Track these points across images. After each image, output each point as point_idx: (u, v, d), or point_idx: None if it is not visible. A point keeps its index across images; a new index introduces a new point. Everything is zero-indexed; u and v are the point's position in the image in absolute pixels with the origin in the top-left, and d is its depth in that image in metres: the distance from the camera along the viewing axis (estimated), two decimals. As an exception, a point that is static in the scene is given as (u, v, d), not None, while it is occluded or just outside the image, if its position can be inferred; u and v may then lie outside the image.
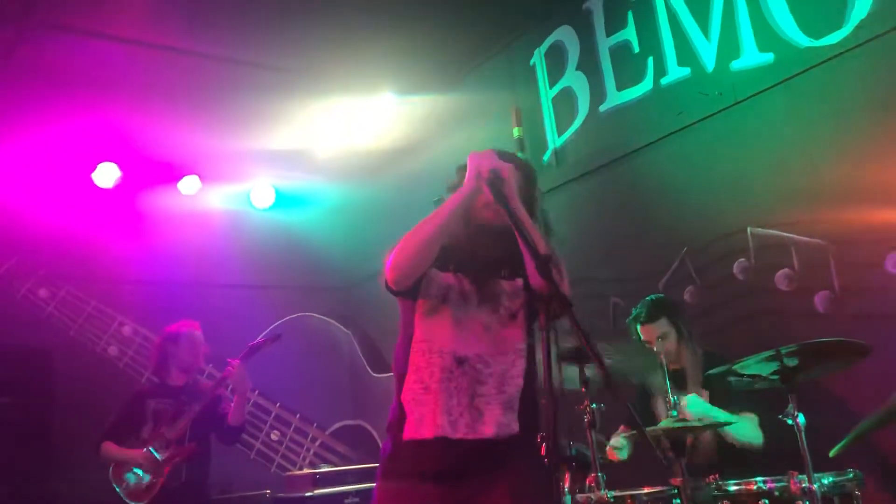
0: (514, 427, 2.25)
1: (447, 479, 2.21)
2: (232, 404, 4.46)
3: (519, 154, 2.61)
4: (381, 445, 2.43)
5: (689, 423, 2.97)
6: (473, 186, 2.22)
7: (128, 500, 4.31)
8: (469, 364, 2.27)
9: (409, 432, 2.24)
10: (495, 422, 2.22)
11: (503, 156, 2.39)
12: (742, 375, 2.82)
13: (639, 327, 3.62)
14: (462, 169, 2.34)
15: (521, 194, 2.27)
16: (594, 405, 3.07)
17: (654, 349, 3.50)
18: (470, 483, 2.22)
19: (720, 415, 3.24)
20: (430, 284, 2.34)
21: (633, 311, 3.68)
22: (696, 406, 3.22)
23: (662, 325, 3.56)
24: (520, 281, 2.38)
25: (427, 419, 2.22)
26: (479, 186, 2.21)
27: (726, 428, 3.22)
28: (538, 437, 2.09)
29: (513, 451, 2.24)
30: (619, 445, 3.51)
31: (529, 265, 2.15)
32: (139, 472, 4.30)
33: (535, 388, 2.34)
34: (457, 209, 2.24)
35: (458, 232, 2.31)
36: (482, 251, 2.34)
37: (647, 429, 3.23)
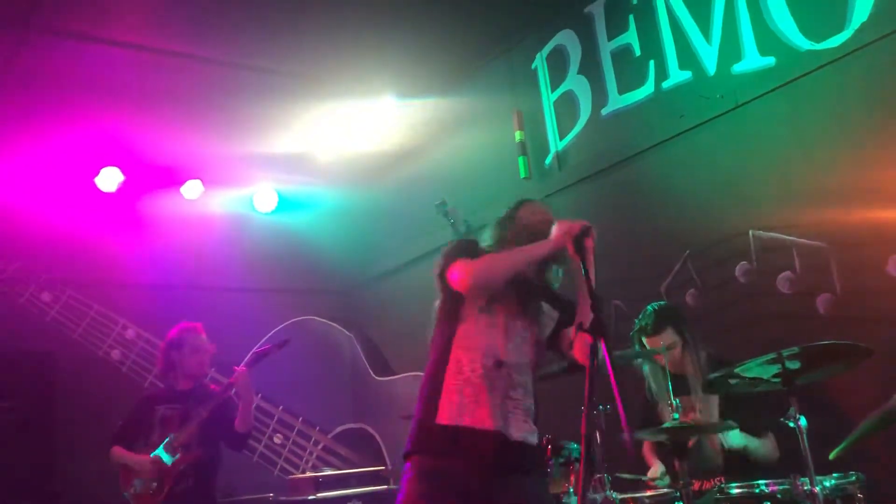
0: (534, 438, 2.62)
1: (497, 471, 2.49)
2: (238, 412, 4.45)
3: None
4: (415, 425, 2.66)
5: (691, 426, 2.97)
6: (561, 242, 2.51)
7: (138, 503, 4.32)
8: (506, 368, 2.58)
9: (459, 419, 2.52)
10: (519, 428, 2.56)
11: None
12: (743, 378, 2.83)
13: (644, 339, 3.56)
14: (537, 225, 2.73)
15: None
16: (600, 406, 3.08)
17: (661, 360, 3.50)
18: (505, 480, 2.50)
19: (754, 443, 3.25)
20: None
21: (637, 323, 3.61)
22: (736, 439, 3.24)
23: (669, 336, 3.50)
24: (556, 313, 2.75)
25: (479, 412, 2.52)
26: (565, 243, 2.49)
27: (747, 447, 3.24)
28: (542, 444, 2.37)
29: (534, 460, 2.66)
30: (657, 475, 3.46)
31: (582, 315, 2.54)
32: (147, 477, 4.30)
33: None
34: (546, 254, 2.58)
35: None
36: (538, 281, 2.74)
37: (651, 429, 3.25)
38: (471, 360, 2.58)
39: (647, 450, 3.71)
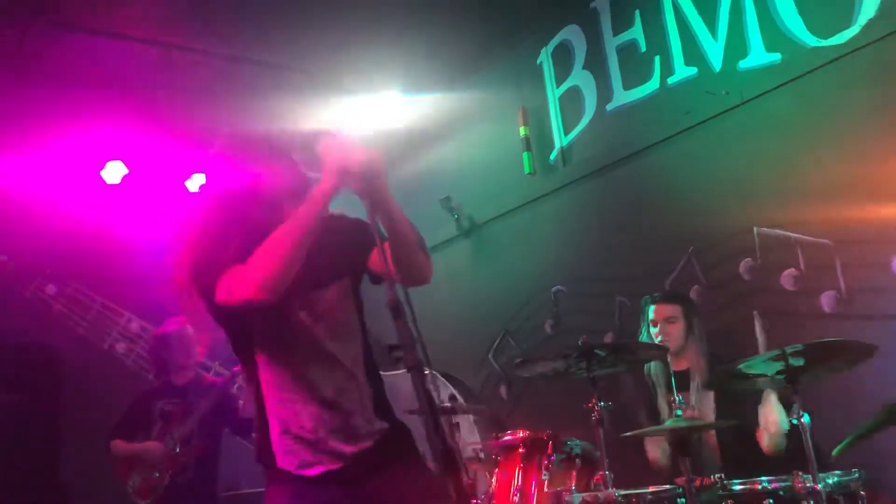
0: None
1: None
2: (242, 397, 4.50)
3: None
4: None
5: (693, 423, 2.97)
6: (335, 184, 1.97)
7: (136, 497, 4.34)
8: None
9: None
10: None
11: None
12: (747, 375, 2.82)
13: (653, 307, 3.65)
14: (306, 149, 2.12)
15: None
16: (602, 403, 3.08)
17: (658, 334, 3.53)
18: None
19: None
20: None
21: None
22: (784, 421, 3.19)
23: (674, 309, 3.60)
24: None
25: None
26: (341, 184, 1.96)
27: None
28: None
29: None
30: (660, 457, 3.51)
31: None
32: (147, 468, 4.32)
33: None
34: (321, 212, 1.99)
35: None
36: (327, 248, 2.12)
37: (652, 428, 3.25)
38: None
39: (648, 441, 3.71)
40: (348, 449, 2.15)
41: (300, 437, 2.14)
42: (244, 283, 1.98)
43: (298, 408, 2.14)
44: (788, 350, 2.63)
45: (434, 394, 1.75)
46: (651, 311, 3.66)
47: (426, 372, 1.72)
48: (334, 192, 1.98)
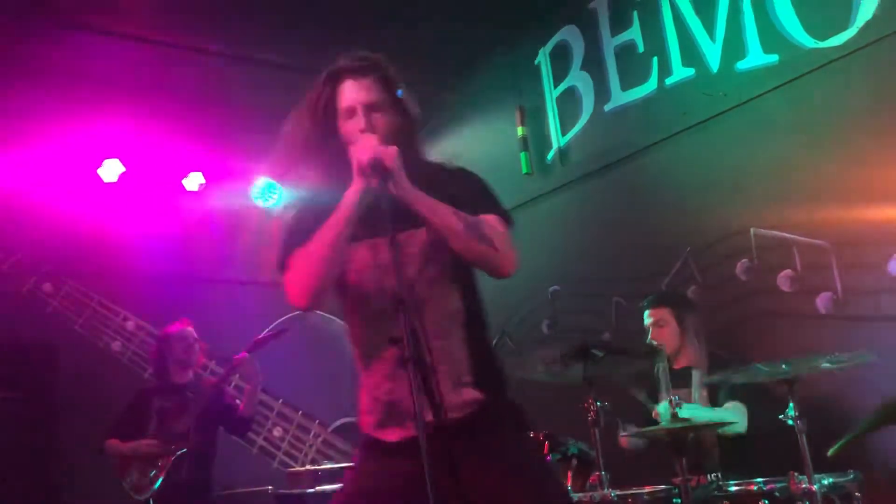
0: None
1: None
2: (243, 395, 4.56)
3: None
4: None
5: (690, 423, 2.97)
6: (363, 187, 1.94)
7: (133, 494, 4.34)
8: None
9: None
10: None
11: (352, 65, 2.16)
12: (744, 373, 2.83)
13: (646, 312, 3.72)
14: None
15: (408, 155, 2.00)
16: (598, 402, 3.08)
17: (652, 338, 3.56)
18: None
19: (712, 415, 3.26)
20: None
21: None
22: (690, 411, 3.21)
23: (661, 313, 3.65)
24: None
25: None
26: (367, 185, 1.93)
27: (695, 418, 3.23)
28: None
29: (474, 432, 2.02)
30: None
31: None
32: (143, 465, 4.33)
33: None
34: (351, 215, 1.95)
35: None
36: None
37: (649, 428, 3.25)
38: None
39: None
40: (427, 417, 1.84)
41: (377, 397, 2.04)
42: (288, 290, 2.02)
43: (377, 367, 2.05)
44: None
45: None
46: (645, 316, 3.72)
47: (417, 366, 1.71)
48: (360, 194, 1.94)
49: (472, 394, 2.00)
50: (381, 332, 1.93)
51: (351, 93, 2.12)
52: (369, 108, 2.09)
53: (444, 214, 1.94)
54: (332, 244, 1.95)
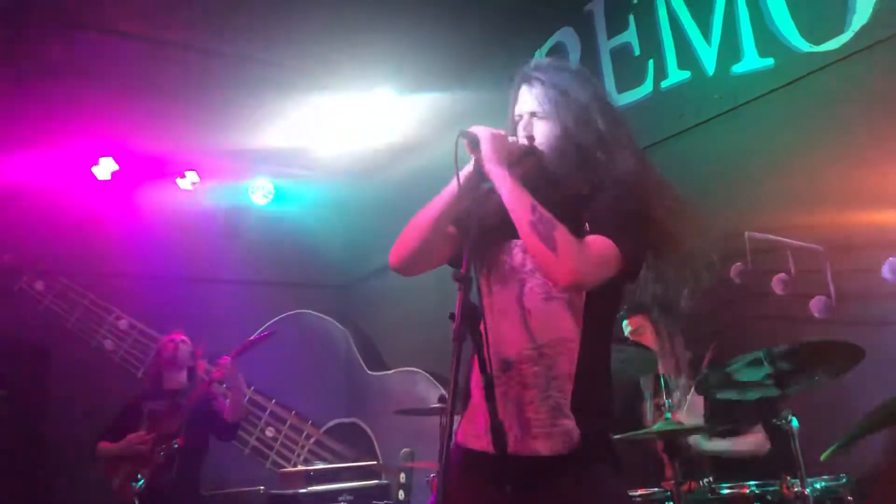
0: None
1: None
2: (227, 401, 4.56)
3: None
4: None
5: (682, 426, 2.97)
6: (469, 167, 2.01)
7: (120, 495, 4.33)
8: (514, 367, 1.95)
9: None
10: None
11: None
12: (735, 382, 2.82)
13: (623, 323, 3.75)
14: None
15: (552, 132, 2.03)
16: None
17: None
18: None
19: (725, 445, 3.25)
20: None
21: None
22: (705, 444, 3.23)
23: (638, 321, 3.67)
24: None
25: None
26: (475, 164, 1.98)
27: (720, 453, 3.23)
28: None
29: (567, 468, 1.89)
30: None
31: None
32: (132, 466, 4.33)
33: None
34: (452, 193, 2.03)
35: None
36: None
37: (639, 431, 3.25)
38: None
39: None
40: (511, 441, 1.82)
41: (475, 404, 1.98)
42: (391, 251, 2.13)
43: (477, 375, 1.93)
44: (775, 351, 2.63)
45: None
46: (623, 326, 3.75)
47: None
48: (469, 175, 2.00)
49: (565, 425, 1.91)
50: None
51: (521, 101, 2.17)
52: (532, 115, 2.13)
53: (520, 201, 1.90)
54: (430, 217, 2.06)
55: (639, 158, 2.13)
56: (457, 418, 2.03)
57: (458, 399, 1.85)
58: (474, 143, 1.97)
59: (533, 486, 1.87)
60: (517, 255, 2.03)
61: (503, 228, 1.99)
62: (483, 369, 1.76)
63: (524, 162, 2.05)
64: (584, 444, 1.89)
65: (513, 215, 1.91)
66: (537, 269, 1.97)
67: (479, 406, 1.89)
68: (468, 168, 2.01)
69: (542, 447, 1.88)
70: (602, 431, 1.98)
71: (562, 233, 1.86)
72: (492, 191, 1.97)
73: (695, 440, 3.27)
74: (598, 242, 1.90)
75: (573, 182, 2.04)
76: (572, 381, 1.93)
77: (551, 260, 1.85)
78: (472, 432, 1.97)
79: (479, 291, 2.09)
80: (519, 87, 2.18)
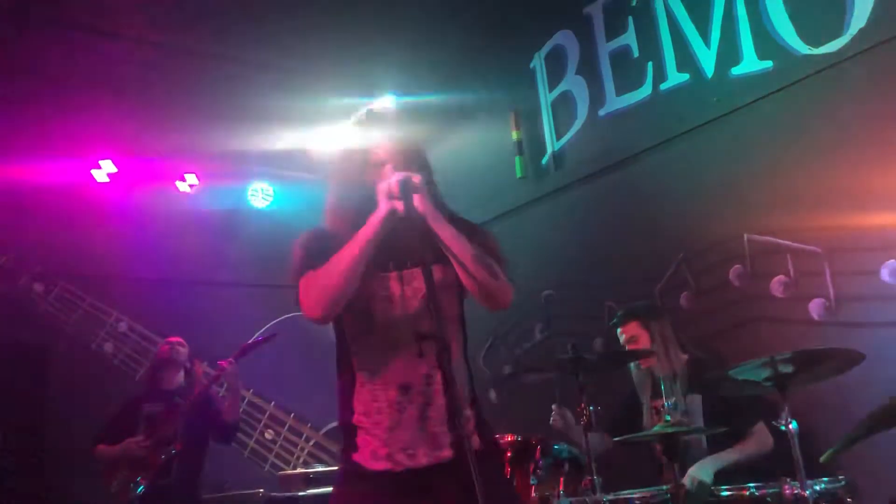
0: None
1: None
2: (226, 402, 4.58)
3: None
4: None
5: (680, 428, 2.97)
6: (388, 209, 2.06)
7: (119, 498, 4.32)
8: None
9: None
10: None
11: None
12: (736, 382, 2.83)
13: (618, 331, 3.75)
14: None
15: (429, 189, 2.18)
16: (591, 408, 3.08)
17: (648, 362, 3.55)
18: None
19: (729, 459, 3.22)
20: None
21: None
22: (708, 475, 3.15)
23: (632, 329, 3.66)
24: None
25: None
26: (393, 208, 2.05)
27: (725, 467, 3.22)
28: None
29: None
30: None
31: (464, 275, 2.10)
32: (130, 469, 4.32)
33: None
34: (374, 237, 2.06)
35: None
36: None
37: (639, 434, 3.25)
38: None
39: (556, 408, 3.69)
40: (419, 455, 2.08)
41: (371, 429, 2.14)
42: (303, 301, 2.15)
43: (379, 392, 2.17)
44: (777, 357, 2.63)
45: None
46: (617, 334, 3.75)
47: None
48: (385, 217, 2.05)
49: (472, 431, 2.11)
50: (392, 360, 2.11)
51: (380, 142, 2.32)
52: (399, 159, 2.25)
53: (461, 239, 2.08)
54: (354, 261, 2.05)
55: None
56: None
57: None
58: (409, 190, 2.04)
59: (438, 490, 2.04)
60: (394, 287, 2.15)
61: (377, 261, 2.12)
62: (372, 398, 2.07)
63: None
64: (482, 446, 2.11)
65: (456, 250, 2.06)
66: (477, 297, 2.12)
67: (375, 430, 2.10)
68: (383, 210, 2.06)
69: (447, 453, 2.06)
70: (491, 433, 2.24)
71: (494, 264, 2.10)
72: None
73: (698, 474, 3.11)
74: (496, 264, 2.14)
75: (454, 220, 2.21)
76: (468, 385, 2.18)
77: (495, 286, 2.09)
78: (369, 455, 2.11)
79: (354, 327, 2.22)
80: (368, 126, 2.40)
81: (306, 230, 2.33)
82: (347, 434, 2.19)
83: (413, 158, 2.25)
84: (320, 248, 2.15)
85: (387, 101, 5.75)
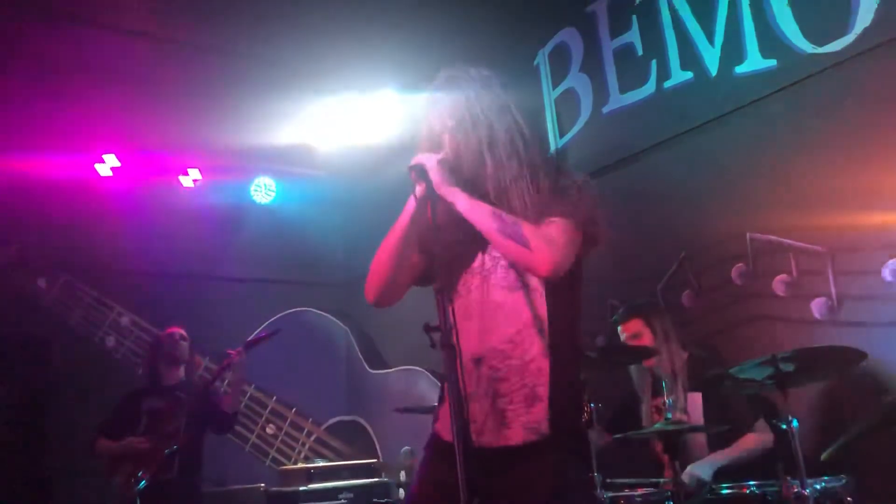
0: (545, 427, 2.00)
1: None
2: (229, 391, 4.60)
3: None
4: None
5: (681, 425, 2.98)
6: (415, 195, 2.10)
7: (122, 493, 4.33)
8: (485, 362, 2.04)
9: None
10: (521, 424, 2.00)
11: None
12: (737, 379, 2.83)
13: (618, 329, 3.75)
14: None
15: (465, 157, 2.14)
16: (591, 404, 3.08)
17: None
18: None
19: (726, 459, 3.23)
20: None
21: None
22: (706, 472, 3.15)
23: (634, 326, 3.66)
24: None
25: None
26: (422, 193, 2.08)
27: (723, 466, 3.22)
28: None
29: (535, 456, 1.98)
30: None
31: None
32: (132, 465, 4.33)
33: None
34: (406, 223, 2.11)
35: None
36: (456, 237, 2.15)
37: (641, 431, 3.26)
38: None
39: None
40: (486, 433, 2.01)
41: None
42: (365, 287, 2.20)
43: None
44: (778, 356, 2.64)
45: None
46: (618, 332, 3.75)
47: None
48: (417, 202, 2.08)
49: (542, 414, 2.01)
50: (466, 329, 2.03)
51: (433, 114, 2.34)
52: (445, 129, 2.24)
53: (481, 213, 2.04)
54: (391, 249, 2.11)
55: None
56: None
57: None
58: (422, 174, 2.06)
59: (501, 474, 1.96)
60: (477, 259, 2.14)
61: (463, 240, 2.12)
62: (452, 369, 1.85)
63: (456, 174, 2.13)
64: (553, 432, 1.99)
65: (478, 227, 2.04)
66: (515, 266, 2.07)
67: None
68: (412, 199, 2.11)
69: (514, 436, 1.99)
70: (572, 419, 2.08)
71: (528, 228, 2.01)
72: (443, 212, 2.07)
73: (698, 472, 3.10)
74: (556, 225, 2.05)
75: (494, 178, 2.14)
76: (548, 363, 2.03)
77: (527, 256, 1.99)
78: (446, 426, 2.01)
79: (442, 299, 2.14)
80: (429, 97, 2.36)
81: None
82: (440, 400, 2.20)
83: (471, 125, 2.20)
84: None
85: (390, 97, 5.74)
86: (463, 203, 2.05)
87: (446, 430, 2.04)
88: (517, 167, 2.14)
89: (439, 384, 2.26)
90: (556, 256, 2.00)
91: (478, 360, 2.04)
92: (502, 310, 2.07)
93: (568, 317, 2.11)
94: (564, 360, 2.05)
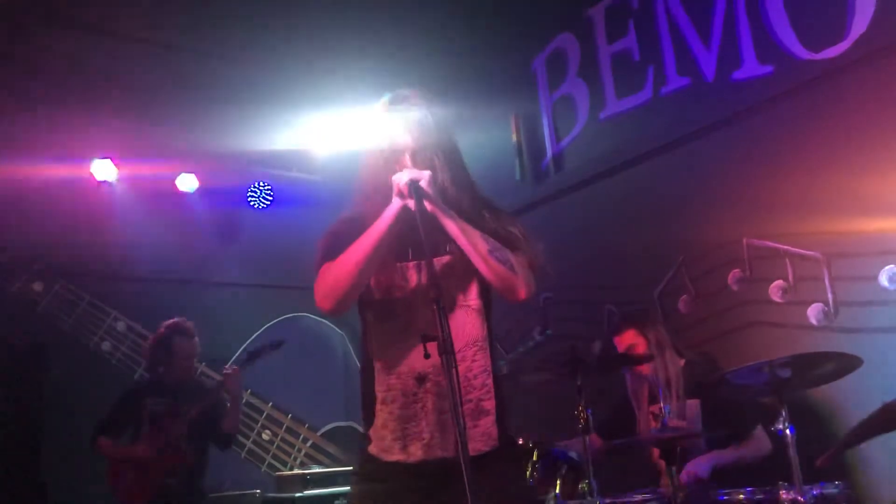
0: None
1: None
2: (227, 412, 4.56)
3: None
4: None
5: (679, 432, 2.97)
6: (401, 206, 2.08)
7: (124, 498, 4.31)
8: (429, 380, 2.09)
9: None
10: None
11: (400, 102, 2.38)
12: (733, 385, 2.83)
13: (613, 339, 3.72)
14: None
15: (450, 175, 2.20)
16: (588, 410, 3.07)
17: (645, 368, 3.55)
18: None
19: (726, 458, 3.23)
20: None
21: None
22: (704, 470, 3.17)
23: (629, 337, 3.64)
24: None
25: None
26: (404, 205, 2.07)
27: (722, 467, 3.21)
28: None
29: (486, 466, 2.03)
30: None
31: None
32: (136, 470, 4.30)
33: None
34: (387, 232, 2.08)
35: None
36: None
37: (639, 438, 3.25)
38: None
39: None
40: (434, 448, 2.08)
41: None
42: (316, 292, 2.16)
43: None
44: (775, 362, 2.63)
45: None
46: (614, 343, 3.72)
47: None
48: (397, 213, 2.07)
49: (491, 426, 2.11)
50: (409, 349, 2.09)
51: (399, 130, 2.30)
52: (415, 147, 2.24)
53: (472, 234, 2.09)
54: (366, 255, 2.07)
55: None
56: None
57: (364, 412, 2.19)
58: (418, 191, 2.05)
59: (456, 484, 1.89)
60: (412, 276, 2.17)
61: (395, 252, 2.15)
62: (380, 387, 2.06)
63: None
64: (501, 443, 2.10)
65: (469, 248, 2.08)
66: (495, 289, 2.13)
67: (389, 422, 2.11)
68: (395, 207, 2.09)
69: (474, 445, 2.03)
70: (510, 432, 2.18)
71: (512, 256, 2.11)
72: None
73: (696, 469, 3.14)
74: (524, 258, 2.17)
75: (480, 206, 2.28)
76: (491, 377, 2.14)
77: (513, 279, 2.08)
78: (384, 446, 2.12)
79: (374, 315, 2.24)
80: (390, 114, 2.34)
81: (337, 217, 2.36)
82: (366, 422, 2.20)
83: (435, 145, 2.24)
84: (342, 240, 2.15)
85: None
86: (455, 223, 2.09)
87: (383, 451, 2.11)
88: (468, 191, 2.26)
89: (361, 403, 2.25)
90: (531, 283, 2.13)
91: (421, 378, 2.09)
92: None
93: (491, 337, 2.22)
94: (498, 377, 2.18)
